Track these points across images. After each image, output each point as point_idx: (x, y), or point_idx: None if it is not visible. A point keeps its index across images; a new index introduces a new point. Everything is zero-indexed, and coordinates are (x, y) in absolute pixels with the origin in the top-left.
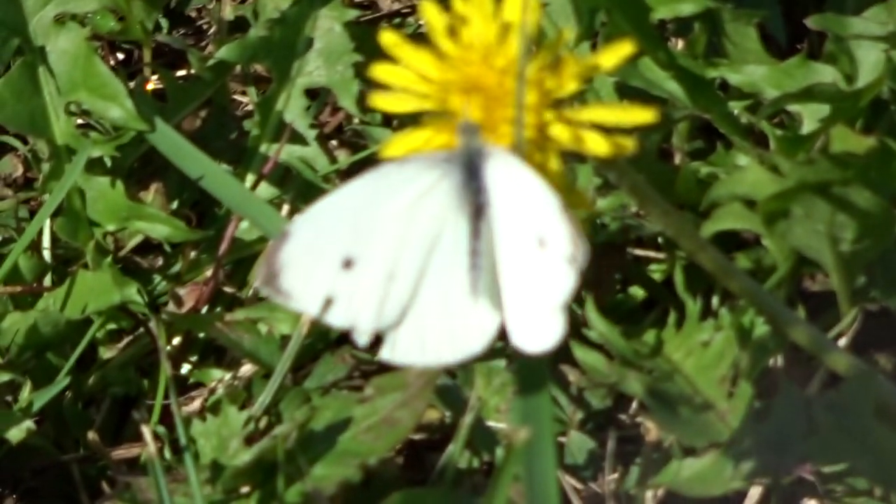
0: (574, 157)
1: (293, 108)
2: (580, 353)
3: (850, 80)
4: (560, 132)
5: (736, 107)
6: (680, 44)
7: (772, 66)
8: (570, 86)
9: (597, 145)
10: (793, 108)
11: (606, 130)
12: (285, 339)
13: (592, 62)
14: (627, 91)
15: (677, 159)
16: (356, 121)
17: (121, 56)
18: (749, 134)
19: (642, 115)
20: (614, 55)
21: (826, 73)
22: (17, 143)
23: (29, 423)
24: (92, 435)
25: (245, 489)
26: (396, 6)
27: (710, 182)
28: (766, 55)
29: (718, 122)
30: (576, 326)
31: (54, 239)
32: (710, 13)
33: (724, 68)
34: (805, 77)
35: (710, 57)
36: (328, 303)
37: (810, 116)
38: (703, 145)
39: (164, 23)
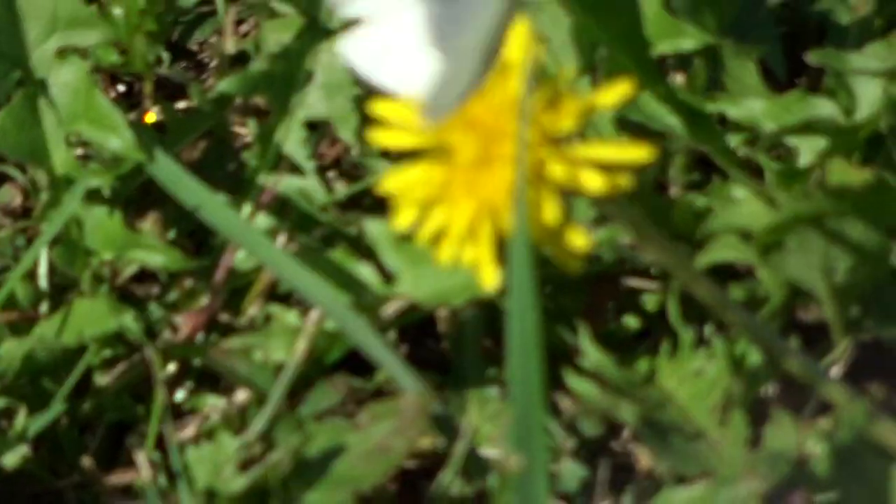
0: (570, 191)
1: (292, 140)
2: (573, 381)
3: (848, 114)
4: (557, 170)
5: (734, 140)
6: (680, 78)
7: (771, 100)
8: (568, 124)
9: (593, 183)
10: (790, 141)
11: (603, 167)
12: (280, 367)
13: (591, 100)
14: (626, 124)
15: (673, 192)
16: (354, 152)
17: (122, 88)
18: (746, 167)
19: (639, 153)
20: (613, 94)
21: (825, 107)
22: (16, 172)
23: (24, 449)
24: (87, 461)
25: None
26: None
27: (706, 214)
28: (765, 89)
29: (716, 154)
30: (569, 355)
31: (51, 267)
32: (711, 48)
33: (723, 102)
34: (803, 111)
35: (709, 91)
36: None
37: (808, 150)
38: (699, 178)
39: (165, 56)
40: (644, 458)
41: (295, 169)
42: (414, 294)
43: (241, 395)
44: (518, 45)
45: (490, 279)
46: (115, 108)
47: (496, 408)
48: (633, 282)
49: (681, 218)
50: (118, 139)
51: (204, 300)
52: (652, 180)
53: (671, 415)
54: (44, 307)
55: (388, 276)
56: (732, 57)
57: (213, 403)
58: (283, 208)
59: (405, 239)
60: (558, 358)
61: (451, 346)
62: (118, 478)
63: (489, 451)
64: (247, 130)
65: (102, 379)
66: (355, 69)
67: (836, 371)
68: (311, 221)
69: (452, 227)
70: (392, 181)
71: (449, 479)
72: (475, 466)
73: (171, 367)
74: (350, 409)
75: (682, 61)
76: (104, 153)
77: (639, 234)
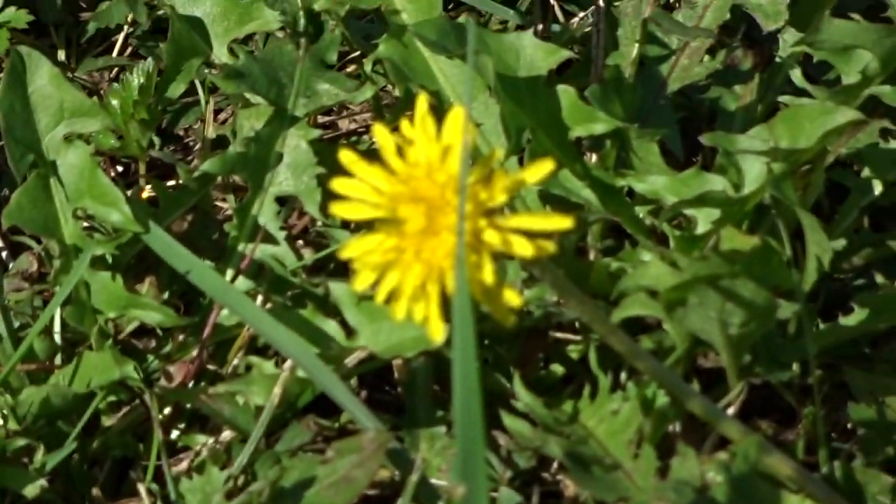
0: (504, 256)
1: (266, 213)
2: (509, 420)
3: (737, 188)
4: (492, 237)
5: (641, 211)
6: (594, 157)
7: (671, 177)
8: (500, 198)
9: (522, 248)
10: (689, 211)
11: (531, 235)
12: (259, 409)
13: (519, 177)
14: (550, 197)
15: (591, 256)
16: (319, 223)
17: (120, 168)
18: (652, 234)
19: (561, 222)
20: (537, 172)
21: (717, 182)
22: (32, 242)
23: (42, 482)
24: (96, 491)
25: None
26: (353, 126)
27: (619, 275)
28: (666, 167)
29: (626, 224)
30: (505, 398)
31: (64, 324)
32: (619, 131)
33: (630, 178)
34: (699, 185)
35: (618, 168)
36: None
37: (704, 219)
38: (613, 244)
39: (156, 140)
40: (570, 486)
41: (269, 238)
42: (372, 346)
43: (227, 434)
44: (455, 130)
45: (438, 333)
46: (114, 187)
47: (444, 443)
48: (559, 334)
49: (598, 279)
50: (118, 213)
51: (194, 352)
52: (573, 246)
53: (592, 449)
54: (58, 359)
55: (350, 331)
56: (637, 139)
57: (203, 441)
58: (259, 272)
59: (365, 298)
60: (496, 400)
61: (404, 391)
62: None
63: (438, 481)
64: (227, 204)
65: (108, 421)
66: None
67: (731, 410)
68: (283, 283)
69: (404, 287)
70: (352, 248)
71: None
72: (426, 494)
73: (167, 410)
74: (319, 446)
75: (596, 143)
76: (106, 225)
77: (562, 292)
